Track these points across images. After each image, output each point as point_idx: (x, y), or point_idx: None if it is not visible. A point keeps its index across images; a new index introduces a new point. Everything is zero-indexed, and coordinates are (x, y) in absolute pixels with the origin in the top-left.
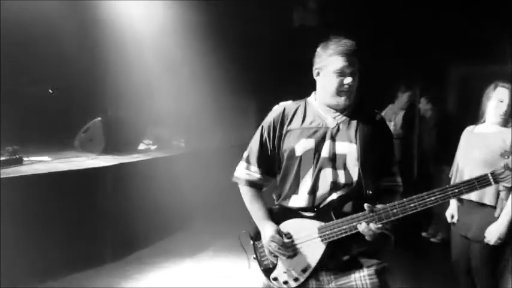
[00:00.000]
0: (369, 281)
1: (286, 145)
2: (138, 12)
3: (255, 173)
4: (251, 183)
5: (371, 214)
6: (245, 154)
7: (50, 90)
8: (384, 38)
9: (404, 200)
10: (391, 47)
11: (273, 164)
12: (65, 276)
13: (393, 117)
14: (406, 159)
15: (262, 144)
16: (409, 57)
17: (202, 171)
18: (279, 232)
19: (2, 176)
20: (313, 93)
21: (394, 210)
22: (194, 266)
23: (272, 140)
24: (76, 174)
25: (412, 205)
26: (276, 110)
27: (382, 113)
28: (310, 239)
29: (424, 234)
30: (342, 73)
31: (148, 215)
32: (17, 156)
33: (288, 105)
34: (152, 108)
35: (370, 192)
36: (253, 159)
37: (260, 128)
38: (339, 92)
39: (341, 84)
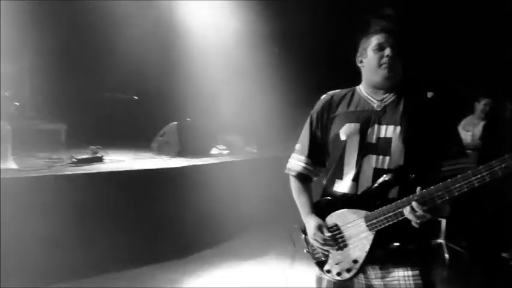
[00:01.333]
0: (413, 281)
1: (333, 130)
2: (210, 22)
3: (305, 164)
4: (301, 175)
5: (415, 198)
6: (297, 146)
7: (135, 97)
8: (462, 44)
9: (449, 180)
10: (471, 54)
11: (323, 152)
12: (132, 269)
13: (471, 127)
14: None
15: (311, 134)
16: (489, 64)
17: (270, 176)
18: (321, 228)
19: (82, 172)
20: (361, 85)
21: (439, 193)
22: (256, 268)
23: (320, 128)
24: (147, 173)
25: (457, 185)
26: (324, 98)
27: (462, 123)
28: (358, 229)
29: (504, 255)
30: (381, 47)
31: (214, 215)
32: (99, 155)
33: (335, 93)
34: (225, 115)
35: (413, 176)
36: (304, 149)
37: (309, 118)
38: (380, 64)
39: (381, 56)
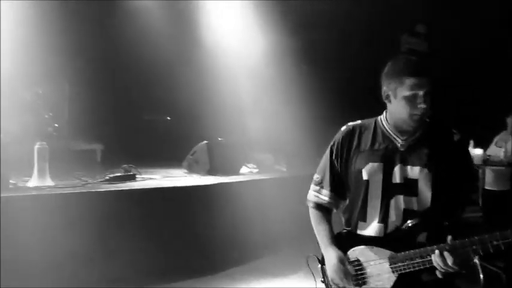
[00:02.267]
0: None
1: (354, 167)
2: (240, 39)
3: (324, 196)
4: (320, 206)
5: (446, 247)
6: (315, 176)
7: (168, 118)
8: (494, 60)
9: (486, 236)
10: (500, 66)
11: (342, 185)
12: (162, 285)
13: (503, 143)
14: None
15: (331, 166)
16: None
17: (299, 194)
18: (342, 261)
19: (114, 189)
20: (384, 112)
21: (474, 247)
22: (284, 286)
23: (340, 161)
24: (177, 190)
25: (494, 243)
26: (344, 130)
27: (495, 139)
28: (380, 269)
29: None
30: (414, 97)
31: (243, 233)
32: (131, 173)
33: (356, 125)
34: (255, 133)
35: (448, 223)
36: (323, 181)
37: (329, 149)
38: (413, 116)
39: (414, 109)
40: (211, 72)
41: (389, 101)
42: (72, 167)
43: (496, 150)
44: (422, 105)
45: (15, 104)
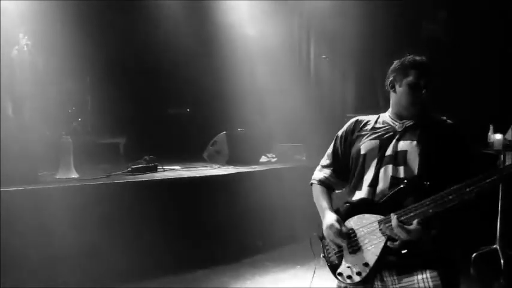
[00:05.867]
0: (431, 283)
1: (355, 147)
2: (261, 29)
3: (325, 174)
4: (321, 182)
5: (401, 211)
6: (321, 160)
7: (187, 109)
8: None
9: (442, 193)
10: None
11: (344, 167)
12: (188, 273)
13: None
14: None
15: (334, 150)
16: None
17: None
18: (338, 221)
19: (137, 180)
20: (388, 110)
21: (428, 204)
22: (304, 273)
23: (344, 145)
24: (197, 180)
25: (450, 197)
26: (351, 121)
27: (510, 131)
28: (371, 233)
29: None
30: (417, 85)
31: (264, 222)
32: (153, 164)
33: (362, 118)
34: (275, 124)
35: (428, 183)
36: (326, 162)
37: (335, 137)
38: (414, 103)
39: (416, 95)
40: (231, 63)
41: (394, 90)
42: (96, 160)
43: None
44: (423, 92)
45: (40, 100)
